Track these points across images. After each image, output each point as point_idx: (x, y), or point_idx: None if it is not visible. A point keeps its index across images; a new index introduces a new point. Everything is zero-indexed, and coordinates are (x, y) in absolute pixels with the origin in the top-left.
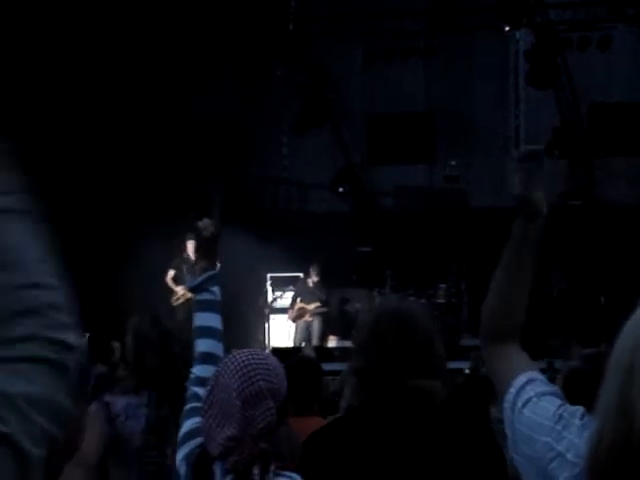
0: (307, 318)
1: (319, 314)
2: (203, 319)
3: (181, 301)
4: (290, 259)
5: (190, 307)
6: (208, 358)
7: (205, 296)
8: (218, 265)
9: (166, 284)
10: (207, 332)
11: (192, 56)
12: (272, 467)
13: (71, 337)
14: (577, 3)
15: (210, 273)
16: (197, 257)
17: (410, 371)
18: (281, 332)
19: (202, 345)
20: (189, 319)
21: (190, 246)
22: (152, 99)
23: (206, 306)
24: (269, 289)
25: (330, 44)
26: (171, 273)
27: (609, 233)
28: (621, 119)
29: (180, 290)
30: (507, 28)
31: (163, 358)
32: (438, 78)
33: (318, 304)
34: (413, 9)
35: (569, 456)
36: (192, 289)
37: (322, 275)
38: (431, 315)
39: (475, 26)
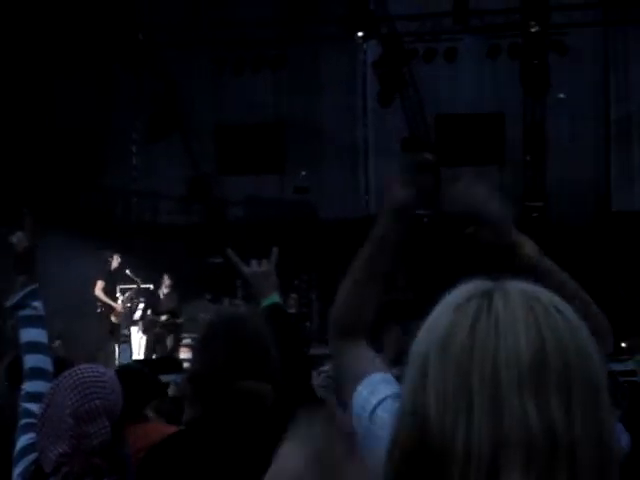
0: (158, 329)
1: (170, 325)
2: (28, 335)
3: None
4: (141, 270)
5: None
6: (37, 373)
7: (28, 312)
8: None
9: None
10: (34, 348)
11: (40, 70)
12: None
13: None
14: (423, 15)
15: (30, 288)
16: (15, 272)
17: (241, 375)
18: (133, 343)
19: (30, 361)
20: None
21: (116, 260)
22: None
23: (30, 322)
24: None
25: (179, 54)
26: (100, 284)
27: (455, 242)
28: (466, 129)
29: (116, 305)
30: (360, 34)
31: None
32: (288, 88)
33: (169, 315)
34: (262, 20)
35: None
36: (13, 307)
37: (173, 286)
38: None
39: (324, 37)
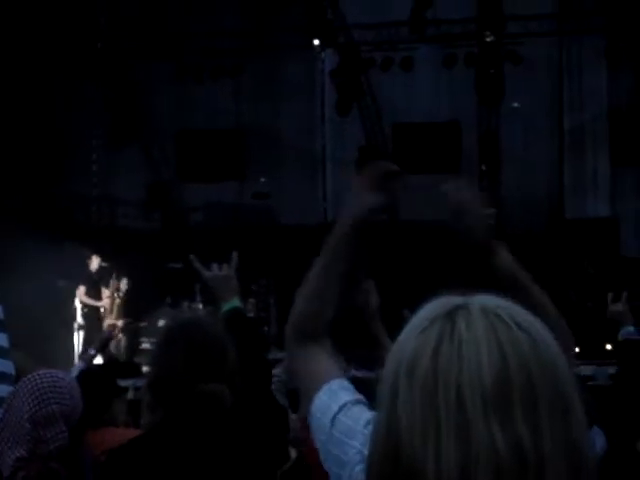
0: (116, 333)
1: (129, 329)
2: None
3: (114, 311)
4: (99, 277)
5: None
6: None
7: None
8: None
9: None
10: None
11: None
12: None
13: None
14: (380, 24)
15: None
16: None
17: (200, 378)
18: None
19: None
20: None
21: (95, 261)
22: None
23: None
24: (78, 305)
25: (140, 62)
26: (82, 289)
27: (411, 249)
28: (422, 138)
29: (102, 302)
30: (317, 43)
31: None
32: (248, 96)
33: (128, 319)
34: (223, 29)
35: None
36: None
37: (132, 291)
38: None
39: (283, 45)
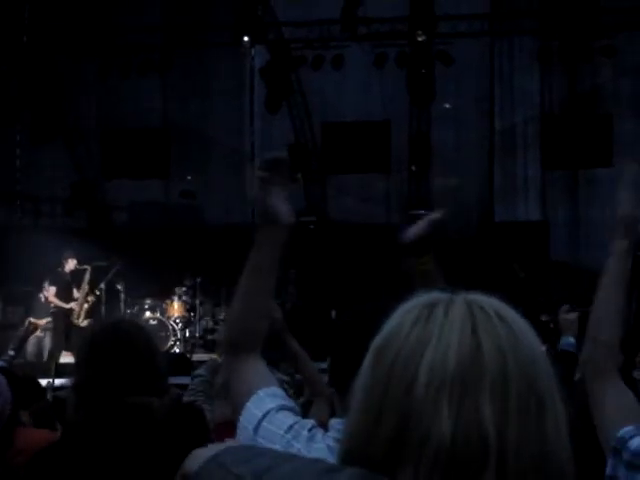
0: (39, 333)
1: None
2: None
3: (82, 315)
4: (21, 274)
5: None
6: None
7: None
8: None
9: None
10: None
11: None
12: None
13: None
14: (311, 21)
15: None
16: None
17: (127, 387)
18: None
19: None
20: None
21: (71, 263)
22: None
23: None
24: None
25: (66, 56)
26: (53, 289)
27: (340, 249)
28: (352, 137)
29: (74, 305)
30: (247, 39)
31: None
32: (175, 93)
33: (49, 319)
34: (150, 23)
35: None
36: None
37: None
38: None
39: (211, 42)
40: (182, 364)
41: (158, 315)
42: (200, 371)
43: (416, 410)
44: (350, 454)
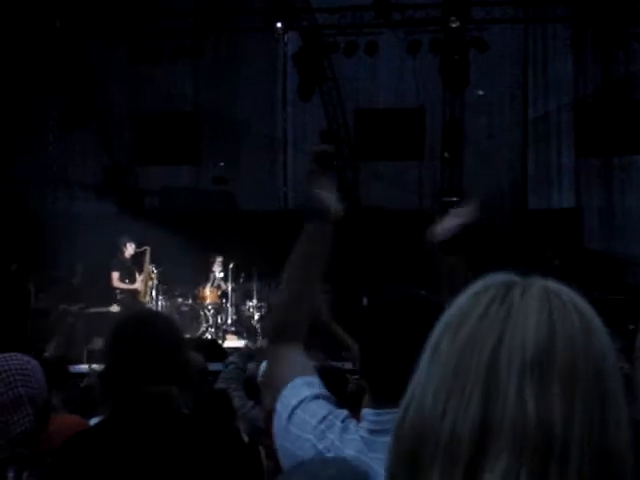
0: (70, 319)
1: (83, 315)
2: None
3: (147, 293)
4: (57, 259)
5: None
6: None
7: None
8: None
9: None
10: None
11: None
12: (26, 473)
13: None
14: (344, 7)
15: None
16: None
17: (148, 377)
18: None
19: None
20: None
21: (130, 248)
22: None
23: None
24: (32, 290)
25: (98, 42)
26: (116, 275)
27: (373, 235)
28: (385, 124)
29: (138, 285)
30: (280, 25)
31: None
32: (206, 79)
33: (82, 305)
34: (181, 9)
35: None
36: None
37: (85, 276)
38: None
39: (244, 27)
40: (214, 350)
41: (190, 301)
42: (233, 358)
43: (502, 393)
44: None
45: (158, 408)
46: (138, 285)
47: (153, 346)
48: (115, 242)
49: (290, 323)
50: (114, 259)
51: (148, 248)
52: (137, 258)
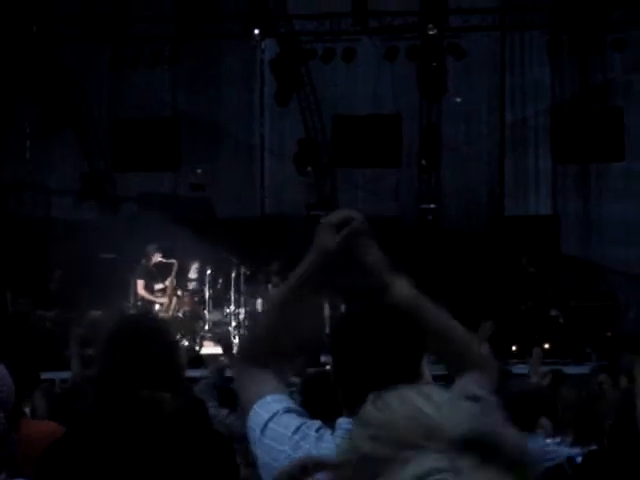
0: (48, 325)
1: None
2: None
3: (171, 308)
4: (32, 266)
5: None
6: None
7: None
8: None
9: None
10: None
11: None
12: (2, 475)
13: None
14: (321, 14)
15: None
16: None
17: (142, 381)
18: None
19: None
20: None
21: (157, 256)
22: None
23: None
24: (9, 296)
25: (76, 47)
26: (141, 282)
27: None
28: (363, 131)
29: (162, 299)
30: (257, 32)
31: None
32: (184, 85)
33: (58, 311)
34: (160, 14)
35: None
36: None
37: (63, 282)
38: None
39: (222, 34)
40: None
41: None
42: (206, 373)
43: None
44: None
45: (151, 413)
46: (163, 299)
47: (149, 351)
48: (143, 249)
49: (264, 352)
50: (139, 266)
51: (175, 262)
52: (161, 268)
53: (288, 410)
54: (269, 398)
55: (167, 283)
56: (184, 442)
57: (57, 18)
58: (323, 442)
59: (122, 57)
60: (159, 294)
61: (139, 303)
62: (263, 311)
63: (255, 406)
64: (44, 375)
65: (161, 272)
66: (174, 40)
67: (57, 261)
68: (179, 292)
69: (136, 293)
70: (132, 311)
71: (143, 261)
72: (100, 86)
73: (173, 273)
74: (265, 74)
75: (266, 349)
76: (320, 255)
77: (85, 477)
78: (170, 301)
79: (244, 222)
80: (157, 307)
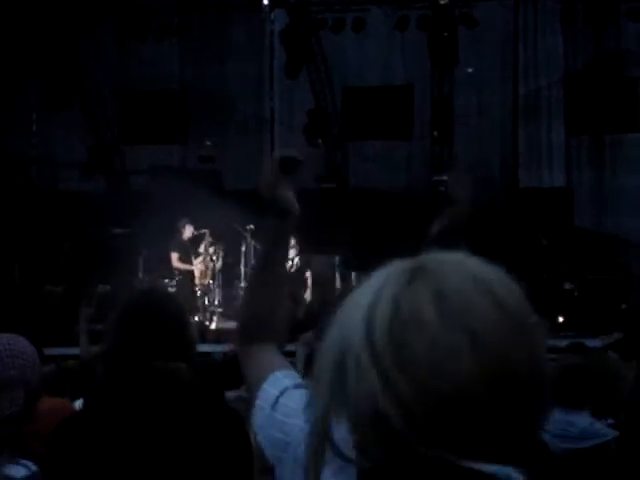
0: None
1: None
2: None
3: (208, 275)
4: (41, 239)
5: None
6: None
7: None
8: None
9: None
10: None
11: None
12: (6, 455)
13: None
14: None
15: None
16: None
17: (155, 354)
18: None
19: None
20: None
21: (188, 230)
22: None
23: None
24: (17, 270)
25: (81, 20)
26: (175, 255)
27: (361, 216)
28: (374, 102)
29: (197, 265)
30: (266, 2)
31: None
32: (192, 56)
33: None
34: None
35: None
36: None
37: (72, 256)
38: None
39: (231, 5)
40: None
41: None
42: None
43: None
44: None
45: (167, 383)
46: (199, 266)
47: (161, 324)
48: (174, 224)
49: (258, 326)
50: (172, 240)
51: (207, 231)
52: (195, 240)
53: (299, 386)
54: (279, 374)
55: (201, 250)
56: (202, 412)
57: None
58: None
59: (129, 29)
60: (197, 263)
61: (177, 275)
62: (246, 288)
63: (265, 384)
64: (53, 351)
65: (194, 244)
66: (181, 11)
67: (65, 235)
68: (214, 257)
69: (172, 266)
70: (142, 285)
71: (177, 236)
72: (107, 59)
73: (206, 242)
74: (275, 45)
75: (263, 324)
76: (268, 200)
77: (102, 451)
78: (206, 268)
79: (254, 195)
80: (196, 273)
